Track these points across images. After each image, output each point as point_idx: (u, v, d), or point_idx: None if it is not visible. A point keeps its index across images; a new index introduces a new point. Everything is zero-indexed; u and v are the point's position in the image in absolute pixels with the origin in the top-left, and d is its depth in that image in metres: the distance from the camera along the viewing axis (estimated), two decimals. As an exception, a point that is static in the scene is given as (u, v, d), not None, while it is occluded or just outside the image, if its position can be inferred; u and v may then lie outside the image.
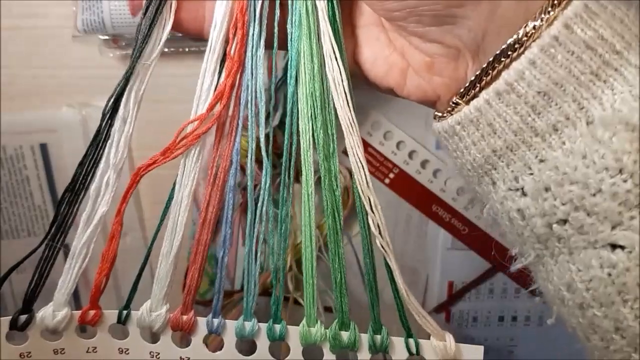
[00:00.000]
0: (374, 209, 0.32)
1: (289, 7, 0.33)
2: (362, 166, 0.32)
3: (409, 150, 0.59)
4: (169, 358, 0.35)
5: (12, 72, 0.60)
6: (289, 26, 0.33)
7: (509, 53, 0.28)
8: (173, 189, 0.34)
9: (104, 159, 0.33)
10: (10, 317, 0.34)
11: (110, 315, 0.35)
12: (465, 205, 0.58)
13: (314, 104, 0.32)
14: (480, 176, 0.31)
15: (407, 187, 0.60)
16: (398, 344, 0.34)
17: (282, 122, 0.35)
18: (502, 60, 0.28)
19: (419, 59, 0.33)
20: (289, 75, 0.33)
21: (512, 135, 0.29)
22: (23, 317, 0.34)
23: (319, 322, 0.34)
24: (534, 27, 0.28)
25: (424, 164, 0.60)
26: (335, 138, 0.33)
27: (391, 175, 0.60)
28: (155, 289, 0.34)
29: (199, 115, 0.33)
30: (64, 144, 0.61)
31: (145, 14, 0.33)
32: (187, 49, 0.58)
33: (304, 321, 0.34)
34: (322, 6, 0.32)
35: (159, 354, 0.35)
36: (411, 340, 0.34)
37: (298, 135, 0.33)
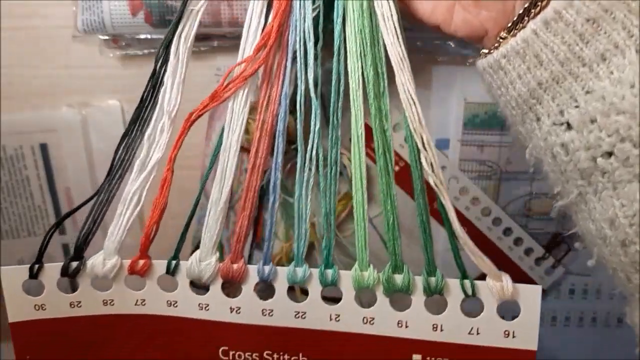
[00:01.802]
0: (426, 146, 0.32)
1: None
2: (414, 102, 0.32)
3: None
4: (219, 309, 0.33)
5: (12, 72, 0.59)
6: (337, -37, 0.32)
7: None
8: (221, 135, 0.33)
9: (158, 106, 0.32)
10: (62, 263, 0.33)
11: (159, 265, 0.33)
12: (465, 206, 0.58)
13: (363, 41, 0.32)
14: (525, 113, 0.31)
15: (411, 182, 0.59)
16: (453, 285, 0.32)
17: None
18: None
19: None
20: (335, 13, 0.32)
21: (558, 65, 0.29)
22: (74, 264, 0.33)
23: (371, 266, 0.33)
24: None
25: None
26: (385, 77, 0.33)
27: (396, 168, 0.60)
28: (204, 238, 0.33)
29: (246, 57, 0.32)
30: (64, 144, 0.60)
31: (191, -43, 0.32)
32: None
33: (356, 265, 0.33)
34: (371, -58, 0.32)
35: (208, 305, 0.33)
36: (467, 282, 0.32)
37: (346, 76, 0.33)
